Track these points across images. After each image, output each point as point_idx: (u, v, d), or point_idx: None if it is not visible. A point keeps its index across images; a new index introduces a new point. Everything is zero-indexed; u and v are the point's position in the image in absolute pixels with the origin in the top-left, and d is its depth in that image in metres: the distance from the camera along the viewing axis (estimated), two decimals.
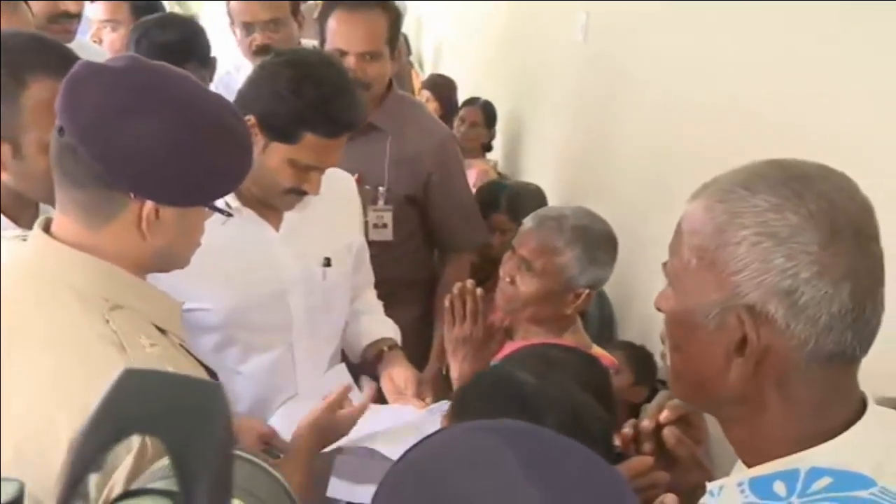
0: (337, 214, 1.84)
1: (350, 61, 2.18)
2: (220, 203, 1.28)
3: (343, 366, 1.89)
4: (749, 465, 0.90)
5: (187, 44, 2.45)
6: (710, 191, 0.89)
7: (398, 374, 1.81)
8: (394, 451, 1.57)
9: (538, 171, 4.08)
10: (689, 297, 0.89)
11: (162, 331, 1.19)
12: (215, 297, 1.66)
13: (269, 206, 1.72)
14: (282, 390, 1.78)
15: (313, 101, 1.57)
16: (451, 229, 2.44)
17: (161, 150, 1.09)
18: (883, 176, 1.34)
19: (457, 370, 1.77)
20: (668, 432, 1.15)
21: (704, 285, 0.87)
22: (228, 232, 1.62)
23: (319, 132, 1.59)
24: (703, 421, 1.20)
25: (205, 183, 1.17)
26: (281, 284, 1.73)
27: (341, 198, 1.87)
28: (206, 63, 2.54)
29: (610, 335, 2.67)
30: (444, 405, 1.71)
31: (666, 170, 2.59)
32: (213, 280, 1.62)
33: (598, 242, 1.74)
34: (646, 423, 1.17)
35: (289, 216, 1.74)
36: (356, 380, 1.89)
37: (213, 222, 1.25)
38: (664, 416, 1.17)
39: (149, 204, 1.12)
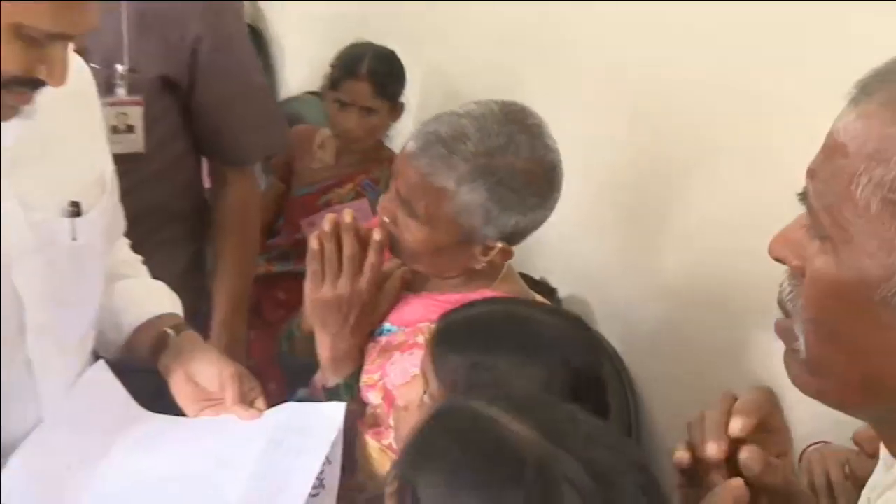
0: (77, 126, 1.14)
1: None
2: None
3: (102, 364, 1.22)
4: None
5: None
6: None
7: (204, 373, 1.20)
8: None
9: None
10: (866, 259, 0.61)
11: None
12: None
13: None
14: (15, 421, 1.09)
15: None
16: (232, 130, 1.73)
17: None
18: None
19: (328, 349, 1.24)
20: (747, 456, 0.77)
21: (894, 242, 0.60)
22: None
23: None
24: (783, 420, 0.83)
25: None
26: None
27: (76, 98, 1.13)
28: None
29: None
30: (290, 407, 1.17)
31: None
32: None
33: (514, 177, 1.16)
34: (713, 449, 0.77)
35: (4, 143, 1.00)
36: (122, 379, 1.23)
37: None
38: (737, 426, 0.77)
39: None
